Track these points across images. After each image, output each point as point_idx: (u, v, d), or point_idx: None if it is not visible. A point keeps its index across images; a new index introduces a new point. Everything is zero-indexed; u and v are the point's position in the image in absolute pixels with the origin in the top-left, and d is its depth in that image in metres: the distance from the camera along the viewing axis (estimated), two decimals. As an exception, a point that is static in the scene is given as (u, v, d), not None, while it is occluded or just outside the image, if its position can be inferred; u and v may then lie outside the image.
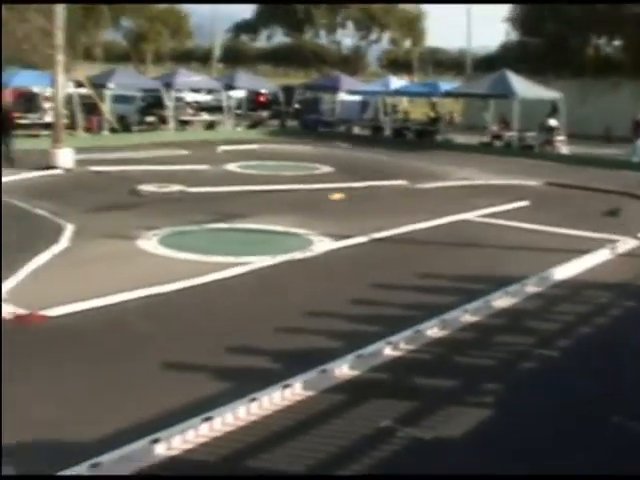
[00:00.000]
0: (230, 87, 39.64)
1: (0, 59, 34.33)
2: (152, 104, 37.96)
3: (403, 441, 6.70)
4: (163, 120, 36.58)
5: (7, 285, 10.69)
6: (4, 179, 20.39)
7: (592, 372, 8.61)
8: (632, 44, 53.06)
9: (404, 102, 45.98)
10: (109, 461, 5.95)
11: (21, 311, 9.65)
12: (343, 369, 8.07)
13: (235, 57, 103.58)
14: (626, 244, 14.74)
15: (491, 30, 78.36)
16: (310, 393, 7.53)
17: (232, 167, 24.85)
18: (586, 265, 13.10)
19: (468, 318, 10.01)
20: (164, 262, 12.61)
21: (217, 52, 69.65)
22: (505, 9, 61.03)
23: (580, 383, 8.25)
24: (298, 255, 13.20)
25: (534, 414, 7.41)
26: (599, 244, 14.45)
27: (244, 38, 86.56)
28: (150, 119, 37.07)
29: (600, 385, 8.25)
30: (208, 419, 6.72)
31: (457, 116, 46.60)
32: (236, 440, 6.60)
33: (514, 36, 62.37)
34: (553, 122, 32.77)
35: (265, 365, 8.29)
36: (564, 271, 12.50)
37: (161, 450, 6.28)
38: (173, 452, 6.32)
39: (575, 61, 53.59)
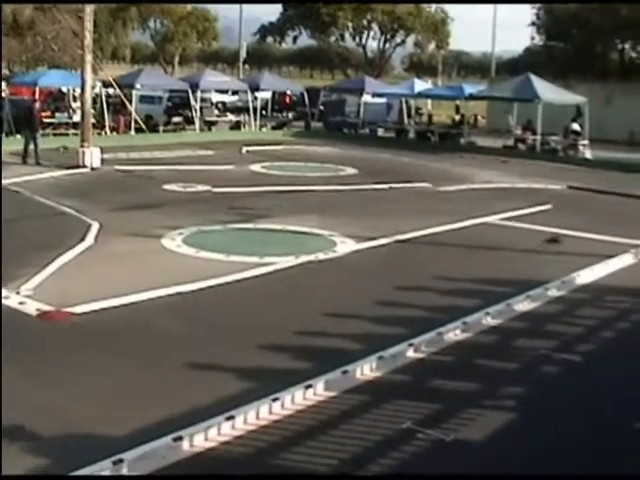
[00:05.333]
0: (256, 88, 39.74)
1: (0, 59, 34.59)
2: (178, 104, 38.12)
3: (424, 442, 6.75)
4: (189, 120, 36.72)
5: (33, 282, 10.83)
6: (32, 177, 20.62)
7: (613, 377, 8.61)
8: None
9: (428, 105, 45.94)
10: (132, 458, 6.04)
11: (46, 308, 9.77)
12: (365, 370, 8.13)
13: (261, 59, 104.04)
14: (650, 249, 14.70)
15: (515, 34, 78.20)
16: (332, 393, 7.60)
17: (257, 168, 24.94)
18: (609, 269, 13.09)
19: (490, 321, 10.04)
20: (188, 261, 12.71)
21: (243, 53, 69.69)
22: (530, 14, 60.95)
23: (601, 388, 8.27)
24: (321, 256, 13.27)
25: (554, 418, 7.43)
26: (622, 248, 14.41)
27: (270, 40, 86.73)
28: (176, 119, 37.21)
29: (622, 390, 8.26)
30: (230, 418, 6.79)
31: (481, 119, 46.50)
32: (257, 439, 6.68)
33: (538, 40, 62.27)
34: (576, 126, 32.69)
35: (288, 365, 8.36)
36: (586, 275, 12.50)
37: (184, 448, 6.36)
38: (195, 450, 6.40)
39: (599, 65, 53.46)
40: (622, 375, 8.67)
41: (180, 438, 6.38)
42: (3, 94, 34.08)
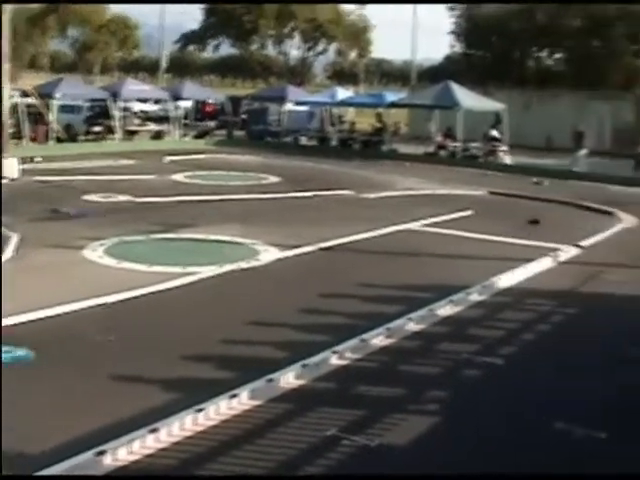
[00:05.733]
0: (177, 97, 39.57)
1: (0, 58, 33.92)
2: (99, 114, 37.69)
3: (349, 449, 6.77)
4: (110, 130, 36.34)
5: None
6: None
7: (535, 379, 8.75)
8: (572, 56, 54.20)
9: (350, 112, 46.23)
10: (54, 473, 5.94)
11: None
12: (289, 378, 8.12)
13: (182, 67, 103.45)
14: (567, 252, 15.02)
15: (436, 43, 79.23)
16: (257, 402, 7.57)
17: (179, 177, 24.79)
18: (529, 273, 13.33)
19: (413, 326, 10.12)
20: (110, 272, 12.56)
21: (164, 62, 69.30)
22: (450, 22, 61.90)
23: (523, 390, 8.40)
24: (244, 265, 13.23)
25: (477, 422, 7.52)
26: (541, 252, 14.70)
27: (192, 49, 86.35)
28: (97, 129, 36.81)
29: (543, 391, 8.39)
30: (154, 430, 6.72)
31: (403, 126, 46.94)
32: (182, 451, 6.61)
33: (458, 48, 63.24)
34: (495, 132, 33.23)
35: (212, 375, 8.31)
36: (507, 279, 12.71)
37: (107, 462, 6.27)
38: (119, 463, 6.31)
39: (517, 73, 54.54)
40: (543, 377, 8.81)
41: (103, 452, 6.29)
42: None
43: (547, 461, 6.78)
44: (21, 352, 8.60)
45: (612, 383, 8.67)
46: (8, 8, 24.35)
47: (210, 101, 47.26)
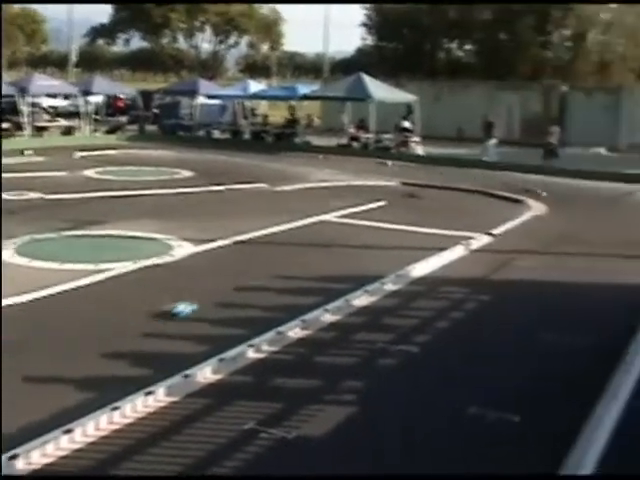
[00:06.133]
0: (87, 92, 38.93)
1: (0, 58, 32.82)
2: (6, 110, 36.88)
3: (267, 442, 6.77)
4: (18, 126, 35.59)
5: None
6: None
7: (449, 365, 8.87)
8: (482, 48, 55.09)
9: (263, 106, 46.14)
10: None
11: None
12: (206, 373, 8.09)
13: (92, 62, 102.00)
14: (479, 241, 15.25)
15: (348, 35, 79.58)
16: (173, 399, 7.52)
17: (90, 173, 24.43)
18: (442, 262, 13.50)
19: (329, 317, 10.16)
20: (21, 271, 12.30)
21: (74, 57, 68.13)
22: (361, 14, 62.29)
23: (437, 377, 8.52)
24: (158, 260, 13.11)
25: (394, 410, 7.59)
26: (454, 241, 14.88)
27: (101, 42, 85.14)
28: (4, 126, 35.95)
29: (458, 378, 8.51)
30: (68, 431, 6.61)
31: (315, 119, 47.04)
32: (98, 450, 6.53)
33: (370, 41, 63.69)
34: (407, 124, 33.52)
35: (128, 372, 8.22)
36: (421, 268, 12.85)
37: (20, 466, 6.14)
38: (32, 467, 6.20)
39: (428, 64, 55.21)
40: (457, 364, 8.93)
41: (15, 456, 6.16)
42: None
43: (462, 444, 6.90)
44: (191, 306, 10.26)
45: (524, 369, 8.83)
46: None
47: (121, 96, 46.67)
